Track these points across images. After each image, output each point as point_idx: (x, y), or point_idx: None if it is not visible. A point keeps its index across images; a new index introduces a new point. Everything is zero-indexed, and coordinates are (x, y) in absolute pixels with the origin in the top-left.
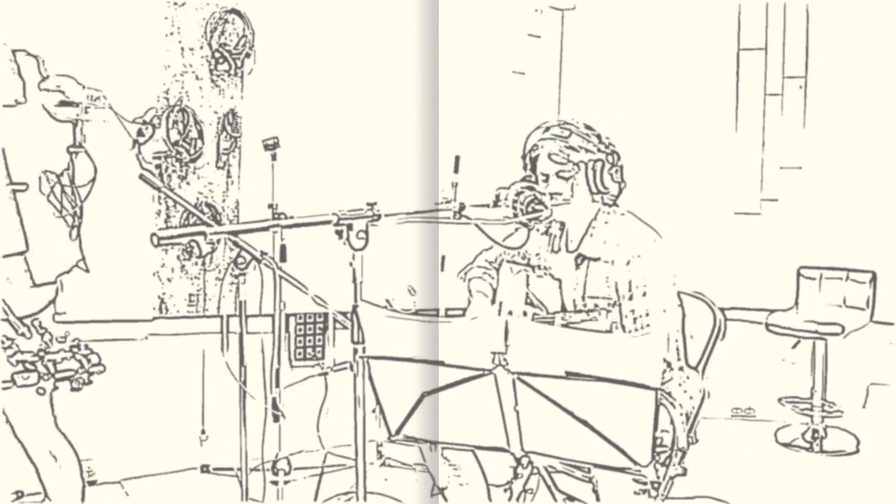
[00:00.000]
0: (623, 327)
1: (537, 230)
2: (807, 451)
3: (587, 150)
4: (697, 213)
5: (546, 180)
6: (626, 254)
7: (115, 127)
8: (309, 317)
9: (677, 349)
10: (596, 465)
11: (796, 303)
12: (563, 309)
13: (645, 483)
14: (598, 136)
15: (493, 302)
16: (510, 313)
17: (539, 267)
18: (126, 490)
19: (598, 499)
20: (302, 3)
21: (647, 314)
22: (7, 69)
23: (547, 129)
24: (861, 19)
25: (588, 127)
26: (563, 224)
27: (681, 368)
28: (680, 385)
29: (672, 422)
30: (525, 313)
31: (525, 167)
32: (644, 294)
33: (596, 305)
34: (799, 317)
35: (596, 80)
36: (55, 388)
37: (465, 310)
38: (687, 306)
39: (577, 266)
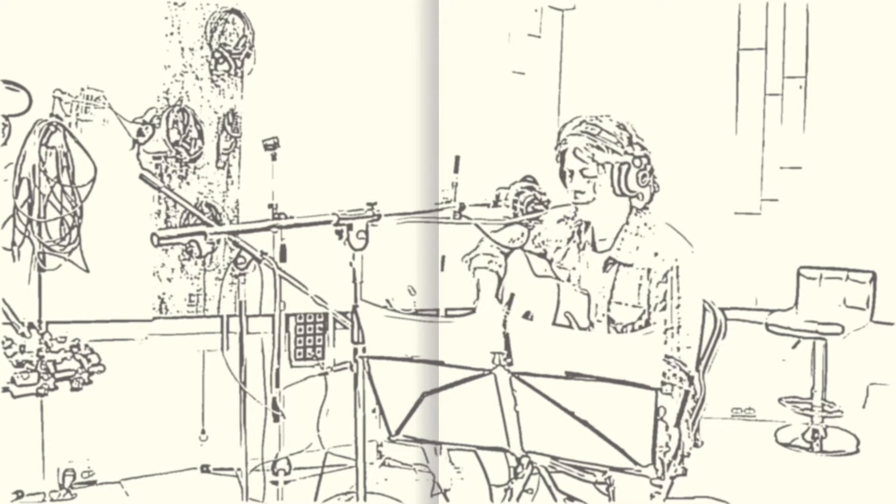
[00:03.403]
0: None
1: (567, 226)
2: (807, 451)
3: (614, 151)
4: (697, 213)
5: (571, 177)
6: (665, 265)
7: (115, 127)
8: (309, 317)
9: (697, 357)
10: (596, 465)
11: (796, 303)
12: (591, 324)
13: (660, 485)
14: (630, 138)
15: (498, 289)
16: (529, 316)
17: (562, 267)
18: (126, 490)
19: (612, 499)
20: (302, 3)
21: (679, 326)
22: None
23: (578, 124)
24: (861, 19)
25: (621, 126)
26: (587, 223)
27: (690, 376)
28: (687, 390)
29: (677, 423)
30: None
31: (556, 159)
32: (678, 306)
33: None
34: (799, 317)
35: (596, 80)
36: (55, 387)
37: (473, 309)
38: None
39: (605, 269)
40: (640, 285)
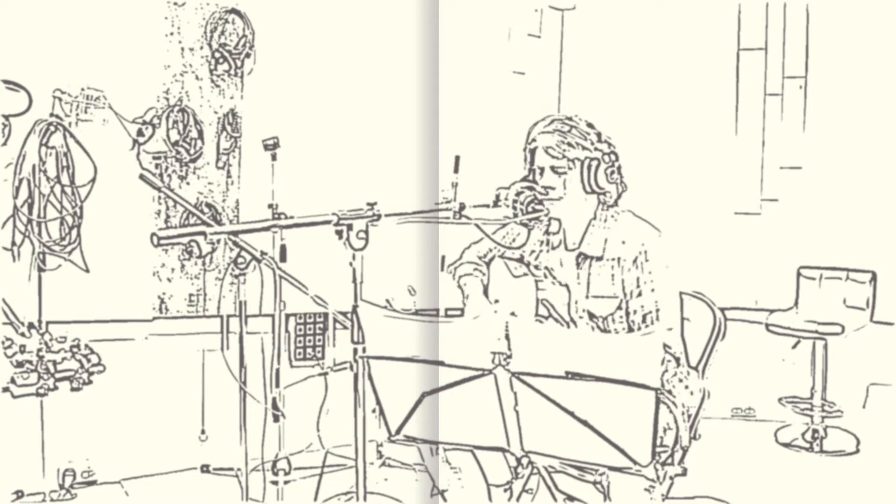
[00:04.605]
0: (631, 324)
1: (538, 227)
2: (807, 451)
3: (584, 148)
4: (697, 213)
5: (541, 174)
6: (632, 251)
7: (115, 127)
8: (309, 317)
9: (683, 344)
10: (596, 465)
11: (796, 303)
12: (572, 320)
13: (653, 482)
14: (598, 135)
15: (485, 294)
16: (513, 314)
17: (538, 267)
18: (126, 490)
19: (606, 498)
20: (302, 3)
21: (657, 309)
22: None
23: (549, 122)
24: (861, 19)
25: (589, 124)
26: (559, 221)
27: (677, 357)
28: (681, 381)
29: (675, 420)
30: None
31: (525, 159)
32: (652, 290)
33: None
34: (799, 317)
35: (596, 80)
36: (55, 387)
37: (462, 310)
38: (687, 306)
39: (578, 265)
40: (612, 276)
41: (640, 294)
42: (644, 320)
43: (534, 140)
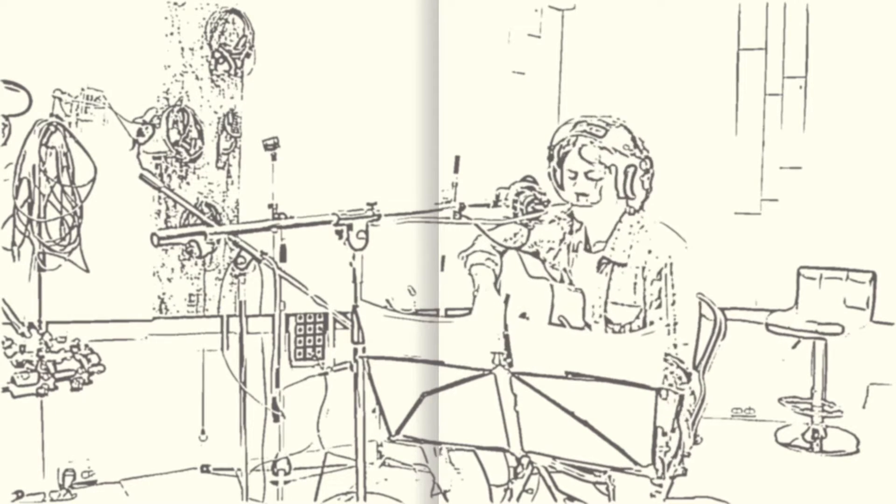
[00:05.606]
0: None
1: (559, 226)
2: (807, 451)
3: (621, 154)
4: (697, 213)
5: (573, 178)
6: (659, 262)
7: (115, 127)
8: (309, 317)
9: (694, 357)
10: (595, 465)
11: (796, 303)
12: (587, 324)
13: (660, 485)
14: (634, 140)
15: (494, 286)
16: (525, 317)
17: (555, 266)
18: (126, 490)
19: (612, 498)
20: (302, 3)
21: (675, 322)
22: None
23: (580, 123)
24: (861, 19)
25: (626, 129)
26: (580, 222)
27: (688, 373)
28: (682, 394)
29: (678, 423)
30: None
31: (550, 159)
32: (673, 303)
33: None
34: (799, 317)
35: (596, 81)
36: (55, 387)
37: (472, 304)
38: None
39: (599, 270)
40: (635, 284)
41: (660, 305)
42: (663, 331)
43: (566, 142)
